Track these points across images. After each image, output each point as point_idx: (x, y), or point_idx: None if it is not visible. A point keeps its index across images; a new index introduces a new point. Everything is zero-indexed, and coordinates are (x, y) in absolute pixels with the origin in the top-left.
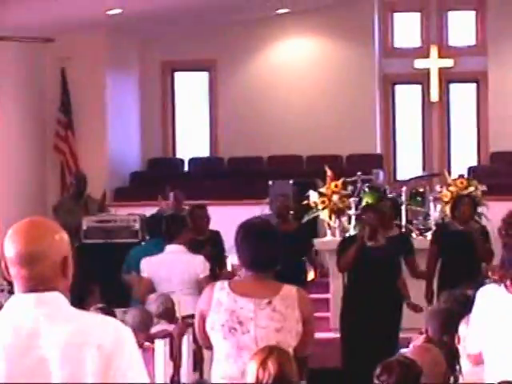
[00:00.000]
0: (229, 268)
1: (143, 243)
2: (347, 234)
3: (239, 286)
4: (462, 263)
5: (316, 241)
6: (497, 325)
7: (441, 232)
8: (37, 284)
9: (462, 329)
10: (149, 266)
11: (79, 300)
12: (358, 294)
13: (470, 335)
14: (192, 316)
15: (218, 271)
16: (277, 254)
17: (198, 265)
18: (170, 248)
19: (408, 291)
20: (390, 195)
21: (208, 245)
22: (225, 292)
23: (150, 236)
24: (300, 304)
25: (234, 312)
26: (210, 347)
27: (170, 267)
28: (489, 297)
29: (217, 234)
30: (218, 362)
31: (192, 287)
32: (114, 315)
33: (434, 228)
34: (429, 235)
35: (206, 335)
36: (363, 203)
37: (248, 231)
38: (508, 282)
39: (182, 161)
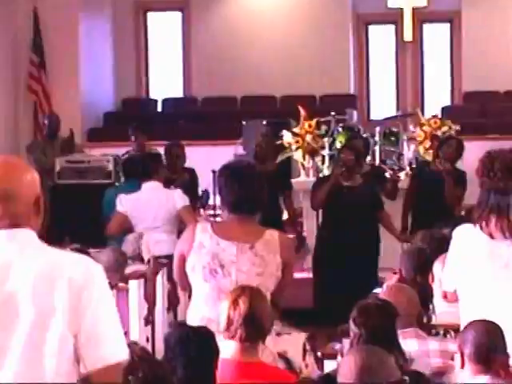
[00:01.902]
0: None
1: (117, 184)
2: (321, 174)
3: (222, 228)
4: (435, 203)
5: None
6: (471, 264)
7: (419, 170)
8: (9, 221)
9: (437, 268)
10: (125, 203)
11: (54, 240)
12: (333, 233)
13: (446, 273)
14: (166, 257)
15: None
16: (261, 198)
17: (177, 198)
18: (147, 185)
19: (392, 225)
20: (363, 135)
21: (183, 176)
22: (207, 234)
23: (124, 177)
24: (282, 249)
25: (216, 255)
26: (187, 288)
27: (147, 203)
28: (464, 236)
29: (192, 171)
30: (196, 303)
31: (170, 223)
32: (88, 255)
33: (414, 167)
34: (402, 175)
35: (185, 276)
36: (337, 143)
37: (232, 174)
38: (483, 223)
39: (155, 101)
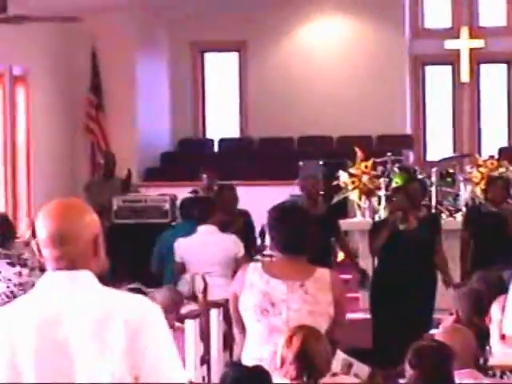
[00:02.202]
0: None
1: (174, 225)
2: (377, 217)
3: (272, 267)
4: (496, 245)
5: (346, 221)
6: None
7: (473, 215)
8: (68, 264)
9: (494, 310)
10: (181, 248)
11: (111, 280)
12: (389, 276)
13: (506, 315)
14: (223, 299)
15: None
16: (309, 238)
17: (233, 245)
18: (202, 229)
19: (447, 266)
20: (419, 176)
21: (237, 221)
22: (258, 273)
23: (182, 218)
24: (332, 287)
25: (266, 293)
26: (242, 330)
27: (203, 248)
28: None
29: (246, 214)
30: (249, 343)
31: (225, 268)
32: (145, 295)
33: (465, 211)
34: (458, 216)
35: (240, 316)
36: (393, 184)
37: (280, 214)
38: None
39: (212, 141)
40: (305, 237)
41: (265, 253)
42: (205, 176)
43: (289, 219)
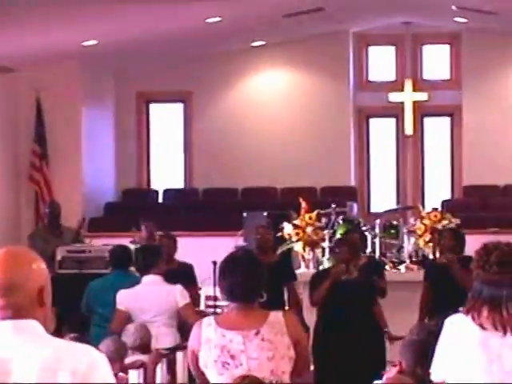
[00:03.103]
0: (202, 301)
1: (104, 276)
2: (320, 268)
3: (225, 319)
4: (448, 296)
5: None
6: (461, 355)
7: (429, 267)
8: (14, 313)
9: None
10: (125, 298)
11: (54, 329)
12: (332, 326)
13: (435, 363)
14: (167, 349)
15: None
16: (262, 285)
17: (178, 294)
18: (147, 279)
19: (385, 320)
20: (363, 228)
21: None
22: (212, 328)
23: (113, 267)
24: (288, 328)
25: (224, 347)
26: (205, 383)
27: (148, 298)
28: (455, 325)
29: (190, 267)
30: None
31: (170, 318)
32: (89, 343)
33: (426, 263)
34: (402, 268)
35: (201, 371)
36: (337, 235)
37: (230, 262)
38: (475, 314)
39: (156, 192)
40: (256, 284)
41: (209, 303)
42: (143, 227)
43: (236, 266)
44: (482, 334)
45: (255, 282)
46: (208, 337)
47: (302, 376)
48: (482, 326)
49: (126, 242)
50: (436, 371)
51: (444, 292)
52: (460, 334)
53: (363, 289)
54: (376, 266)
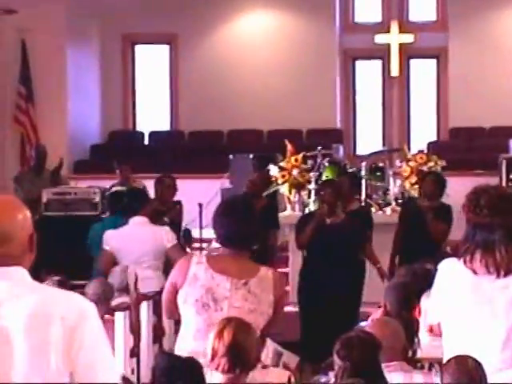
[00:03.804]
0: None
1: (104, 218)
2: (306, 210)
3: (217, 262)
4: (421, 239)
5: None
6: (454, 298)
7: (405, 208)
8: (3, 262)
9: (424, 302)
10: (112, 239)
11: (37, 272)
12: (316, 269)
13: (430, 306)
14: (152, 292)
15: None
16: (254, 233)
17: (165, 235)
18: (134, 220)
19: (376, 257)
20: (349, 170)
21: (174, 209)
22: (202, 267)
23: (110, 212)
24: (275, 288)
25: (210, 289)
26: (174, 316)
27: (135, 239)
28: (448, 270)
29: (179, 203)
30: (185, 335)
31: (156, 259)
32: (68, 286)
33: (401, 204)
34: (388, 210)
35: (176, 306)
36: (323, 178)
37: (225, 208)
38: (468, 258)
39: (142, 134)
40: (248, 230)
41: (212, 245)
42: (118, 170)
43: (232, 212)
44: (474, 279)
45: (251, 230)
46: (196, 274)
47: (269, 332)
48: (474, 271)
49: (111, 183)
50: (431, 314)
51: (418, 237)
52: (452, 277)
53: (348, 232)
54: (365, 216)
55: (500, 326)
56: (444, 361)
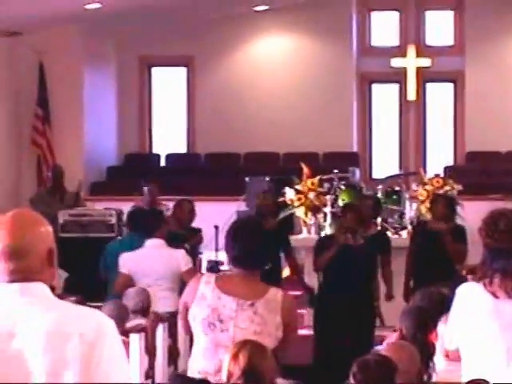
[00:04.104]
0: (204, 264)
1: (119, 238)
2: (323, 233)
3: (225, 282)
4: (435, 262)
5: (292, 238)
6: (474, 322)
7: (418, 231)
8: (22, 276)
9: (441, 327)
10: (128, 261)
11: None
12: (333, 292)
13: (448, 331)
14: (168, 313)
15: None
16: (267, 254)
17: (180, 258)
18: (150, 242)
19: (391, 282)
20: (367, 193)
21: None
22: (210, 287)
23: (131, 230)
24: (283, 310)
25: (215, 309)
26: (191, 333)
27: (150, 261)
28: (467, 294)
29: (199, 231)
30: (196, 355)
31: (172, 282)
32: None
33: (411, 227)
34: (404, 234)
35: (188, 324)
36: (339, 201)
37: (236, 228)
38: (486, 281)
39: (158, 156)
40: (258, 251)
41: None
42: (146, 190)
43: (242, 232)
44: (495, 302)
45: (262, 250)
46: (204, 293)
47: (283, 355)
48: (494, 294)
49: (127, 206)
50: (448, 339)
51: (432, 260)
52: (472, 301)
53: (367, 256)
54: (383, 240)
55: None
56: None
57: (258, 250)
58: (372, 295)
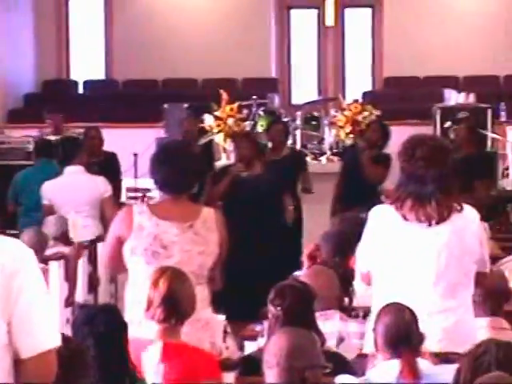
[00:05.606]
0: (123, 192)
1: (30, 167)
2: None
3: (159, 209)
4: (358, 185)
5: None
6: (384, 245)
7: (344, 153)
8: None
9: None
10: (49, 191)
11: None
12: (233, 225)
13: (360, 253)
14: (88, 241)
15: None
16: (189, 176)
17: (100, 184)
18: (70, 169)
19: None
20: (284, 119)
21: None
22: (145, 216)
23: (37, 158)
24: (218, 226)
25: (157, 236)
26: (120, 272)
27: (71, 188)
28: (378, 215)
29: (113, 155)
30: (135, 285)
31: (93, 208)
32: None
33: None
34: (323, 159)
35: (121, 260)
36: (258, 127)
37: (165, 154)
38: (398, 204)
39: (76, 83)
40: (189, 173)
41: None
42: (48, 121)
43: (175, 156)
44: (404, 224)
45: (188, 174)
46: (141, 224)
47: (218, 271)
48: (404, 216)
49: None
50: (360, 261)
51: (354, 182)
52: (383, 223)
53: (263, 186)
54: (298, 158)
55: (430, 271)
56: (373, 307)
57: (187, 171)
58: (279, 223)
